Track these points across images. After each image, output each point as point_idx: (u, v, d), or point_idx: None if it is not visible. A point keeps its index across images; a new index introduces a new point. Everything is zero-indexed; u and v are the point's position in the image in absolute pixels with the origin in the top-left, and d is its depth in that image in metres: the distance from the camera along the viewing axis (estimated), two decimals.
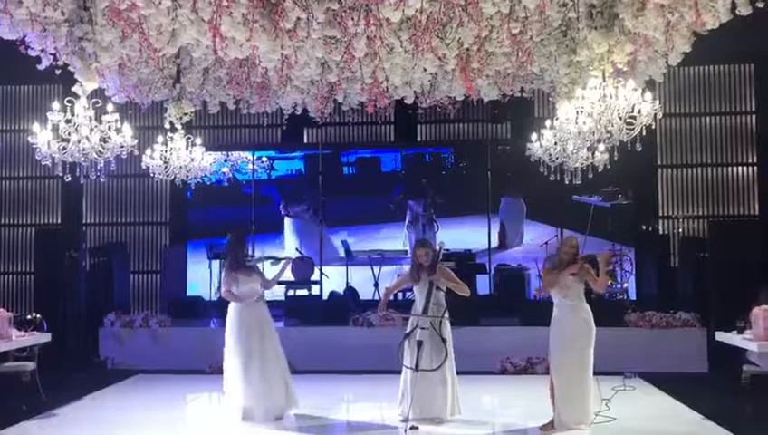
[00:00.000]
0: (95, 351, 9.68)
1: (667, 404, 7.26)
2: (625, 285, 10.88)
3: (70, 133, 5.30)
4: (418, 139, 12.02)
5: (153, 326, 9.75)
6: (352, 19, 5.07)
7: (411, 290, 6.55)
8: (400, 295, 7.19)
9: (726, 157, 11.21)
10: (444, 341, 6.06)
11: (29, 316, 7.43)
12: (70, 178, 5.65)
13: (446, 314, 6.13)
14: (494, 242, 12.04)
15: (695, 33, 5.56)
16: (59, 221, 11.85)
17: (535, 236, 11.92)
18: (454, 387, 6.25)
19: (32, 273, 10.85)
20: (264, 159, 12.69)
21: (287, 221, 12.65)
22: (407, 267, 6.84)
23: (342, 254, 11.92)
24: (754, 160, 11.11)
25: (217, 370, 8.43)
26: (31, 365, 7.11)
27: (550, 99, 7.55)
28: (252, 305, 6.45)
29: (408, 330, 6.12)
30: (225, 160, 12.44)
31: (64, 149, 5.35)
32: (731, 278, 8.64)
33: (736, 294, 7.56)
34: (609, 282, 10.61)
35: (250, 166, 12.50)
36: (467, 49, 6.04)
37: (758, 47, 10.05)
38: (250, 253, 6.69)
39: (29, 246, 11.37)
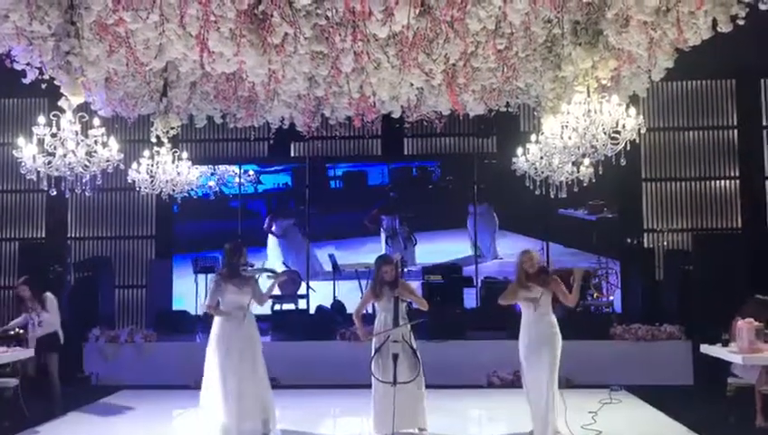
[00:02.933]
0: (79, 366, 9.57)
1: (652, 417, 7.29)
2: (610, 297, 10.95)
3: (55, 147, 5.28)
4: (405, 152, 12.09)
5: (138, 341, 9.66)
6: (339, 35, 5.11)
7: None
8: (368, 309, 7.19)
9: (709, 171, 11.36)
10: (415, 351, 6.07)
11: (12, 332, 7.34)
12: (55, 193, 5.62)
13: (409, 326, 6.15)
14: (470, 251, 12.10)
15: (677, 49, 5.66)
16: (43, 235, 11.76)
17: (521, 248, 11.91)
18: (424, 397, 6.25)
19: (15, 287, 10.73)
20: (251, 172, 12.68)
21: (271, 236, 12.58)
22: None
23: (329, 268, 11.88)
24: (737, 174, 11.27)
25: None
26: (14, 381, 7.02)
27: (535, 113, 7.62)
28: (236, 321, 6.25)
29: (378, 345, 6.08)
30: (212, 174, 12.41)
31: (50, 162, 5.32)
32: (715, 291, 8.71)
33: (720, 306, 7.60)
34: (596, 295, 10.72)
35: (237, 179, 12.48)
36: (453, 64, 6.10)
37: (739, 63, 10.24)
38: (248, 263, 6.38)
39: (13, 260, 11.27)
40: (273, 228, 12.46)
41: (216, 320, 6.37)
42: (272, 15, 4.87)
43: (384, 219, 12.44)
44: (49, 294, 7.69)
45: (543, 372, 5.82)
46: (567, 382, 6.01)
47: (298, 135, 8.62)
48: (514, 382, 8.82)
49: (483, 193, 12.03)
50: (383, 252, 11.91)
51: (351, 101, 6.74)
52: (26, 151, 5.36)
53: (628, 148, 5.41)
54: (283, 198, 12.80)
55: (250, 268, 6.33)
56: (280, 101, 7.18)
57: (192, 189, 7.87)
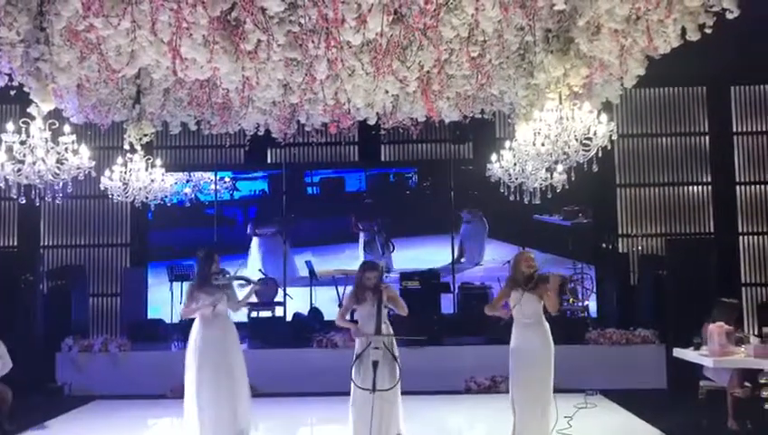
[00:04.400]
0: (52, 376, 9.43)
1: (627, 421, 7.36)
2: (586, 302, 11.04)
3: (25, 155, 5.20)
4: (382, 159, 12.11)
5: (112, 350, 9.54)
6: (313, 42, 5.10)
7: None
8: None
9: (682, 176, 11.53)
10: (396, 358, 6.06)
11: None
12: (24, 201, 5.53)
13: (392, 332, 6.13)
14: (456, 257, 12.13)
15: (648, 56, 5.73)
16: (15, 244, 11.58)
17: (498, 254, 12.01)
18: (400, 404, 6.23)
19: None
20: (227, 179, 12.60)
21: (254, 241, 12.50)
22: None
23: (306, 274, 11.83)
24: (708, 180, 11.45)
25: (179, 394, 8.32)
26: None
27: (509, 120, 7.67)
28: (213, 324, 6.18)
29: (359, 351, 6.06)
30: (188, 181, 12.31)
31: (19, 170, 5.23)
32: (688, 295, 8.83)
33: (693, 310, 7.71)
34: (571, 300, 10.79)
35: (212, 186, 12.40)
36: (428, 71, 6.10)
37: (710, 70, 10.41)
38: (220, 271, 6.29)
39: None
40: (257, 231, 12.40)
41: (193, 328, 6.27)
42: (244, 22, 4.85)
43: (361, 225, 12.44)
44: None
45: (535, 386, 5.75)
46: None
47: (275, 141, 8.58)
48: (492, 388, 8.89)
49: (473, 200, 12.05)
50: (361, 258, 11.89)
51: (326, 108, 6.72)
52: None
53: (600, 154, 5.46)
54: (264, 206, 12.70)
55: (222, 277, 6.24)
56: (254, 108, 7.14)
57: (166, 196, 7.79)
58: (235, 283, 6.39)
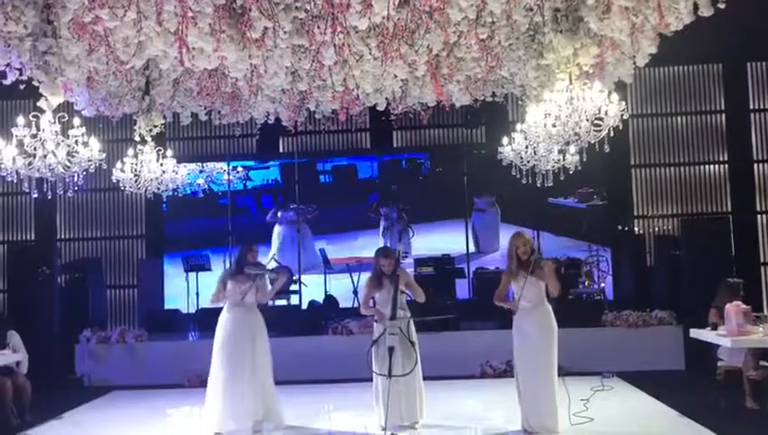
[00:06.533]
0: (71, 367, 9.54)
1: (644, 403, 7.31)
2: (602, 285, 10.97)
3: (35, 148, 5.23)
4: (394, 145, 12.07)
5: (130, 341, 9.63)
6: (319, 27, 5.06)
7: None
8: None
9: (698, 156, 11.38)
10: (413, 344, 6.06)
11: None
12: (36, 195, 5.57)
13: (409, 317, 6.14)
14: (472, 247, 12.09)
15: (662, 34, 5.63)
16: (33, 237, 11.70)
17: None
18: (422, 390, 6.26)
19: (5, 290, 10.69)
20: (240, 169, 12.62)
21: (277, 229, 12.52)
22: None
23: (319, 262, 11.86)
24: (725, 159, 11.29)
25: (197, 383, 8.40)
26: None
27: (520, 103, 7.59)
28: (239, 312, 6.40)
29: (376, 336, 6.09)
30: (201, 172, 12.35)
31: (30, 164, 5.27)
32: (704, 275, 8.69)
33: (710, 290, 7.62)
34: (587, 283, 10.73)
35: (225, 176, 12.42)
36: (437, 55, 6.05)
37: (726, 47, 10.23)
38: (256, 263, 6.64)
39: (2, 264, 11.21)
40: (279, 215, 12.40)
41: (220, 317, 6.50)
42: (250, 10, 4.82)
43: (383, 210, 12.41)
44: (12, 332, 7.36)
45: (540, 369, 5.74)
46: (559, 371, 5.98)
47: (286, 130, 8.57)
48: (507, 372, 8.84)
49: (486, 185, 11.97)
50: (380, 243, 11.90)
51: (335, 95, 6.69)
52: (6, 153, 5.31)
53: (614, 135, 5.40)
54: (283, 194, 12.72)
55: (254, 268, 6.48)
56: (264, 96, 7.12)
57: (178, 187, 7.81)
58: (266, 275, 6.61)
